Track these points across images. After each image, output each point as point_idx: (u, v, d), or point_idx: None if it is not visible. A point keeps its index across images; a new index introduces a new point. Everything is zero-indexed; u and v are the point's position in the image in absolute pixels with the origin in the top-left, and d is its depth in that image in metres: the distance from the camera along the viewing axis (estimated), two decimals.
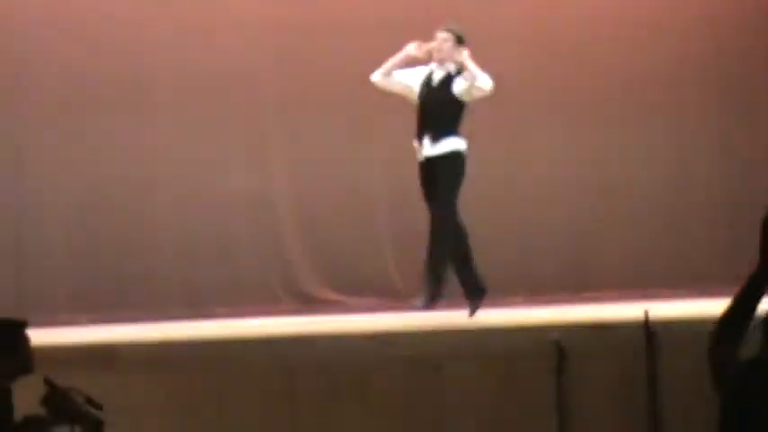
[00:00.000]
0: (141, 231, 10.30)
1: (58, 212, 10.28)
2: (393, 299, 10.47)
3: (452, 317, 9.09)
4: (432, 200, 8.47)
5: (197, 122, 10.39)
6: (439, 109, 8.46)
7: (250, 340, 7.82)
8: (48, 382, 4.84)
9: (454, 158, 8.41)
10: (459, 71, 8.52)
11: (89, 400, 4.85)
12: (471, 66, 8.42)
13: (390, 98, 10.57)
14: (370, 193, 10.70)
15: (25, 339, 5.02)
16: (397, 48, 8.78)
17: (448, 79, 8.54)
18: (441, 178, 8.36)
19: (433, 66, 8.63)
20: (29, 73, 10.30)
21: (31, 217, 10.27)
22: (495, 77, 8.76)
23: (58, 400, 4.80)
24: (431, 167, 8.44)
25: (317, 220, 10.61)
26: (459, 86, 8.49)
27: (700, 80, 11.12)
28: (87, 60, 10.28)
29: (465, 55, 8.48)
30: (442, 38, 8.56)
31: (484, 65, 8.51)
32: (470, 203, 9.65)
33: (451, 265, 8.50)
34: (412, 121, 9.43)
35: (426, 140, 8.45)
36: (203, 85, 10.37)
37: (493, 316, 9.15)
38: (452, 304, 9.43)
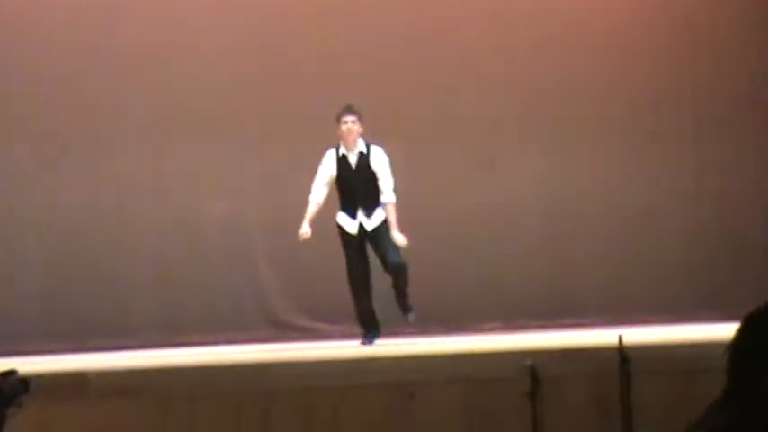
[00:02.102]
0: (115, 259, 10.25)
1: (29, 239, 10.23)
2: None
3: (425, 343, 9.09)
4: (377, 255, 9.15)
5: (171, 150, 10.37)
6: (365, 186, 8.98)
7: (224, 367, 7.78)
8: None
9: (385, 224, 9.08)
10: (368, 147, 9.08)
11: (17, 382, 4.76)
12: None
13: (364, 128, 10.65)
14: None
15: None
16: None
17: (364, 158, 9.06)
18: (383, 240, 9.01)
19: (341, 149, 9.10)
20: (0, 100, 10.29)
21: (1, 243, 10.21)
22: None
23: None
24: (365, 236, 9.10)
25: (291, 248, 10.58)
26: (375, 163, 9.06)
27: (674, 111, 11.19)
28: (60, 89, 10.26)
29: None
30: (351, 120, 9.05)
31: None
32: (446, 232, 9.69)
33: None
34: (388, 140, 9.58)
35: (361, 214, 9.05)
36: (177, 113, 10.36)
37: (467, 342, 9.16)
38: (425, 331, 9.45)
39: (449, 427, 7.25)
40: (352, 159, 9.10)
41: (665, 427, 6.60)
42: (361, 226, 9.12)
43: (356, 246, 9.16)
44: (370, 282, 9.16)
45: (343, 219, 9.17)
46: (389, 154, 9.10)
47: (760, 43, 11.35)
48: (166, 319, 10.20)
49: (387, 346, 9.22)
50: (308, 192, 10.56)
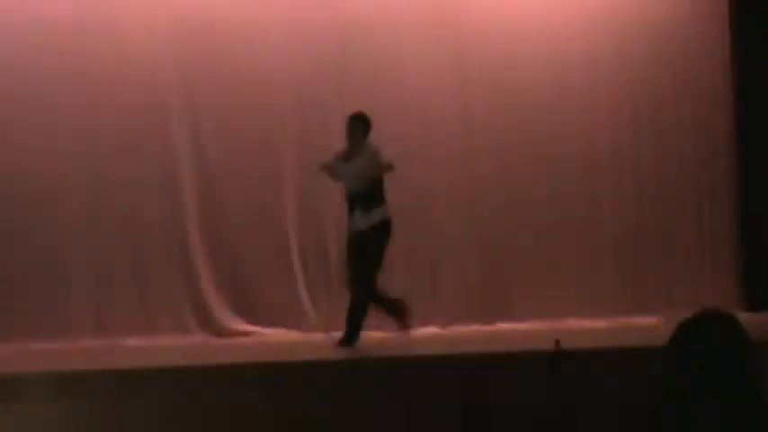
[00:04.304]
0: (48, 260, 10.12)
1: None
2: (305, 329, 10.45)
3: (366, 347, 9.09)
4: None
5: (107, 150, 10.27)
6: (358, 189, 9.14)
7: (160, 370, 7.72)
8: None
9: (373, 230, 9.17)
10: (367, 150, 9.17)
11: None
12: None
13: (302, 128, 10.64)
14: (282, 224, 10.67)
15: None
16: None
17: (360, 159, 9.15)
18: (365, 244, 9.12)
19: (342, 150, 9.25)
20: None
21: None
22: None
23: None
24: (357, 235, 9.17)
25: (229, 251, 10.55)
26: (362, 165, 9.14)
27: (611, 119, 11.33)
28: None
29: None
30: (349, 126, 9.22)
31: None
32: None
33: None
34: (324, 147, 9.56)
35: (357, 213, 9.15)
36: (116, 110, 10.26)
37: (407, 345, 9.17)
38: (365, 335, 9.44)
39: (387, 426, 7.26)
40: (350, 157, 9.23)
41: (603, 428, 6.66)
42: (355, 225, 9.18)
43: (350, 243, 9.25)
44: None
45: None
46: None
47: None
48: (103, 321, 10.10)
49: (325, 350, 9.20)
50: (248, 194, 10.57)
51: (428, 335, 10.02)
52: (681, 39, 11.44)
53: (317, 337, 10.25)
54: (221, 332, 10.33)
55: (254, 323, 10.44)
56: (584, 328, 10.45)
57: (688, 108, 11.43)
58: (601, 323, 10.68)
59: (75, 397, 6.97)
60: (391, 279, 9.54)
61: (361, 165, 9.16)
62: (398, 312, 9.42)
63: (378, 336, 9.71)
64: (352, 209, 9.23)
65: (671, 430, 2.92)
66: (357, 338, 9.15)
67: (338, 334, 9.71)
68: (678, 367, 2.98)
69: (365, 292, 9.13)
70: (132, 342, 9.93)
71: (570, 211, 11.15)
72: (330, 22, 10.71)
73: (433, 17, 10.91)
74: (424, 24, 10.88)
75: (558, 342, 7.50)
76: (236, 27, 10.55)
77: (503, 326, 10.56)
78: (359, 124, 9.24)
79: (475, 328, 9.40)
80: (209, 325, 10.36)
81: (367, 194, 9.15)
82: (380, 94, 10.48)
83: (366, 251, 9.13)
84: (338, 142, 9.73)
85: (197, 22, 10.46)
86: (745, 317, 9.84)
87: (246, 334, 10.33)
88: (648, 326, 10.48)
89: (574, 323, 10.61)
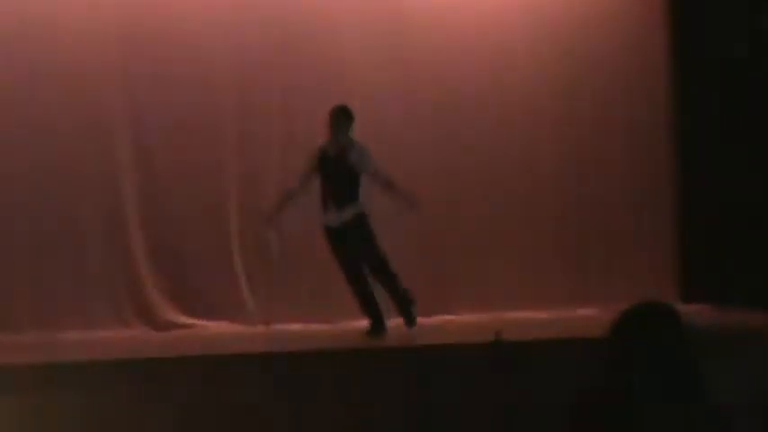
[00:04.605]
0: None
1: None
2: (245, 322, 10.42)
3: (305, 340, 9.10)
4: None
5: (47, 143, 10.17)
6: (339, 181, 9.23)
7: (99, 364, 7.68)
8: None
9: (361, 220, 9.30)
10: (351, 144, 9.26)
11: None
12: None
13: (244, 123, 10.60)
14: (222, 217, 10.62)
15: None
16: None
17: (342, 153, 9.24)
18: (348, 239, 9.23)
19: (324, 143, 9.32)
20: None
21: None
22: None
23: None
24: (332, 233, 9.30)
25: (168, 243, 10.48)
26: (352, 161, 9.23)
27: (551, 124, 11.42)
28: None
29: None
30: (330, 118, 9.26)
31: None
32: (317, 226, 9.70)
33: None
34: (266, 143, 9.53)
35: (331, 208, 9.27)
36: (55, 99, 10.16)
37: (348, 337, 9.19)
38: (308, 328, 9.44)
39: (329, 415, 7.27)
40: (332, 152, 9.28)
41: (544, 420, 6.70)
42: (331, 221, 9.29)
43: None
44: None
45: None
46: None
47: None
48: (42, 314, 10.00)
49: (265, 341, 9.19)
50: (188, 185, 10.51)
51: (367, 327, 10.02)
52: (619, 31, 11.52)
53: (258, 329, 10.23)
54: (161, 325, 10.27)
55: (195, 316, 10.39)
56: (525, 319, 10.51)
57: (627, 103, 11.53)
58: (542, 314, 10.75)
59: (13, 391, 6.91)
60: (332, 272, 9.52)
61: (358, 160, 9.23)
62: (375, 314, 9.40)
63: (319, 329, 9.71)
64: (328, 204, 9.27)
65: (613, 419, 2.95)
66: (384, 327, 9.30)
67: (281, 327, 9.73)
68: (619, 358, 3.01)
69: (388, 276, 9.31)
70: (71, 335, 9.84)
71: (511, 205, 11.20)
72: (272, 20, 10.68)
73: (374, 14, 10.91)
74: (365, 21, 10.88)
75: (498, 333, 7.54)
76: (177, 18, 10.49)
77: (444, 318, 10.59)
78: (345, 118, 9.28)
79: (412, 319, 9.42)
80: (149, 318, 10.30)
81: (350, 190, 9.23)
82: (323, 92, 10.47)
83: (355, 246, 9.23)
84: (280, 138, 9.75)
85: (141, 18, 10.39)
86: (682, 308, 9.96)
87: (187, 327, 10.28)
88: (589, 317, 10.57)
89: (515, 315, 10.66)
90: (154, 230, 10.43)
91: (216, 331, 10.15)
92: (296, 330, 10.01)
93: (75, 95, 10.20)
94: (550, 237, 11.32)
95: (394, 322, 9.49)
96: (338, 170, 9.25)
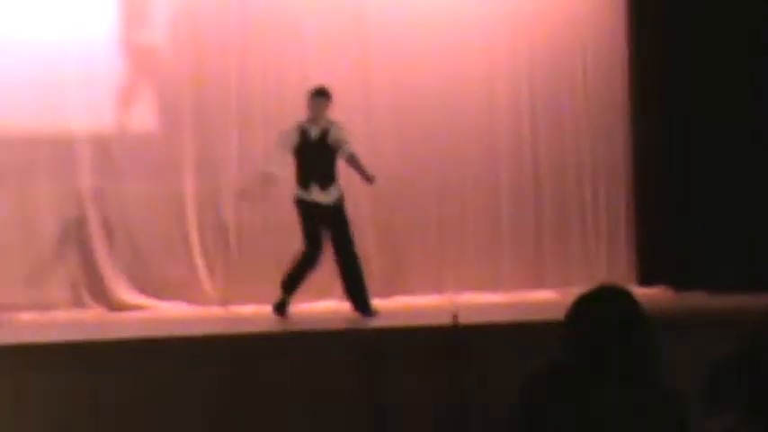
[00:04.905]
0: None
1: None
2: (202, 302, 10.37)
3: (264, 320, 9.07)
4: (322, 237, 9.33)
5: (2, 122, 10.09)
6: (324, 160, 9.33)
7: (53, 345, 7.61)
8: None
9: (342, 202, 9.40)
10: (330, 124, 9.38)
11: None
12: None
13: (200, 104, 10.55)
14: (179, 197, 10.56)
15: None
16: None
17: (325, 134, 9.33)
18: (338, 221, 9.29)
19: (303, 124, 9.36)
20: None
21: None
22: None
23: None
24: (322, 211, 9.28)
25: (124, 223, 10.42)
26: (332, 139, 9.36)
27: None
28: None
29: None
30: (311, 99, 9.33)
31: None
32: (285, 215, 9.68)
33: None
34: (225, 120, 9.51)
35: (315, 188, 9.30)
36: (20, 85, 10.08)
37: (308, 318, 9.17)
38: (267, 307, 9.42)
39: (289, 399, 7.25)
40: (313, 133, 9.34)
41: (500, 406, 6.70)
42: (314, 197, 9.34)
43: (313, 219, 9.34)
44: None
45: (300, 191, 9.36)
46: None
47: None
48: None
49: (222, 324, 9.16)
50: (145, 164, 10.44)
51: (326, 309, 10.01)
52: (578, 26, 11.55)
53: (215, 310, 10.19)
54: (117, 306, 10.20)
55: (151, 296, 10.34)
56: (482, 302, 10.53)
57: (585, 86, 11.57)
58: (498, 297, 10.77)
59: None
60: (288, 252, 9.50)
61: (336, 137, 9.30)
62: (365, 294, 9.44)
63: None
64: (308, 182, 9.26)
65: (567, 403, 2.95)
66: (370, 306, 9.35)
67: (237, 308, 9.69)
68: (575, 341, 3.00)
69: (355, 262, 9.33)
70: (26, 317, 9.76)
71: (469, 188, 11.21)
72: (234, 16, 10.67)
73: (337, 14, 10.90)
74: (327, 20, 10.87)
75: (455, 317, 7.54)
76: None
77: (400, 299, 10.59)
78: (324, 99, 9.33)
79: (373, 302, 9.41)
80: (105, 298, 10.23)
81: (330, 169, 9.31)
82: (281, 77, 10.46)
83: (340, 225, 9.26)
84: (236, 118, 9.72)
85: None
86: (640, 291, 10.00)
87: (143, 308, 10.22)
88: (546, 300, 10.60)
89: (471, 298, 10.68)
90: (110, 210, 10.36)
91: (171, 313, 10.09)
92: (251, 312, 9.97)
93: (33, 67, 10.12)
94: (507, 219, 11.34)
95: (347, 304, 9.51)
96: (321, 150, 9.32)
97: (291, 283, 9.34)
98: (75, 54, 10.22)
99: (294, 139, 9.35)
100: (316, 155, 9.33)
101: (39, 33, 10.15)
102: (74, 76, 10.24)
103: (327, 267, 9.52)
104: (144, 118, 10.45)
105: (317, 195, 9.30)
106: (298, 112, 9.53)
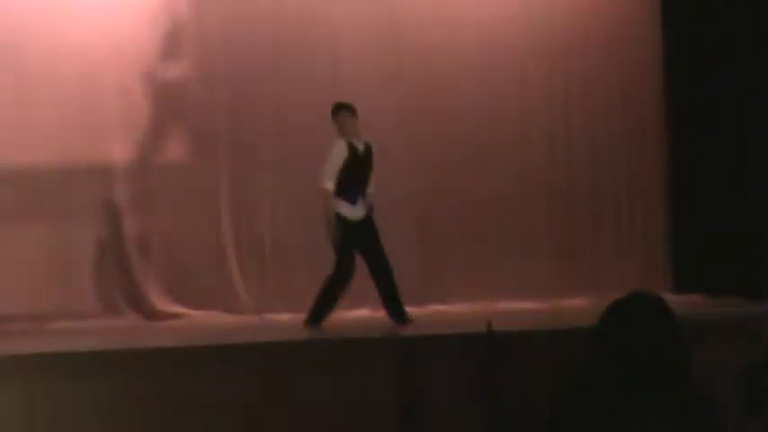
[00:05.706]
0: None
1: None
2: (238, 311, 10.41)
3: (299, 328, 9.10)
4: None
5: (38, 135, 10.16)
6: (367, 175, 9.38)
7: (90, 353, 7.66)
8: None
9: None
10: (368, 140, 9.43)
11: None
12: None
13: (236, 116, 10.60)
14: (215, 206, 10.62)
15: None
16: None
17: (369, 149, 9.40)
18: (373, 232, 9.28)
19: (350, 139, 9.30)
20: None
21: None
22: None
23: None
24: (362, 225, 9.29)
25: (160, 231, 10.48)
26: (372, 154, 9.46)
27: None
28: None
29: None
30: (351, 115, 9.35)
31: None
32: (309, 218, 9.71)
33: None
34: (267, 132, 9.53)
35: (360, 203, 9.29)
36: (46, 85, 10.16)
37: (341, 327, 9.19)
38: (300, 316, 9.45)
39: (326, 408, 7.27)
40: (360, 148, 9.36)
41: (534, 412, 6.70)
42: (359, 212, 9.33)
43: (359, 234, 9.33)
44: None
45: (348, 208, 9.31)
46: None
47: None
48: (32, 303, 9.97)
49: (258, 332, 9.19)
50: (179, 174, 10.50)
51: (360, 317, 10.02)
52: (612, 20, 11.54)
53: (250, 319, 10.22)
54: (152, 315, 10.26)
55: (186, 305, 10.39)
56: (516, 309, 10.52)
57: (619, 95, 11.56)
58: (532, 305, 10.75)
59: (5, 381, 6.91)
60: (321, 262, 9.51)
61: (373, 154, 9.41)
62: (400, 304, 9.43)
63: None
64: (356, 198, 9.26)
65: (602, 409, 2.96)
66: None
67: (272, 316, 9.72)
68: (608, 347, 3.01)
69: (388, 270, 9.31)
70: (61, 325, 9.82)
71: (503, 197, 11.21)
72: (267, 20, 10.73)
73: (370, 36, 10.94)
74: (360, 44, 10.91)
75: (489, 324, 7.54)
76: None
77: (435, 308, 10.59)
78: (357, 115, 9.34)
79: (408, 310, 9.41)
80: (141, 307, 10.29)
81: (369, 183, 9.36)
82: (316, 88, 10.54)
83: (373, 234, 9.26)
84: (272, 132, 9.81)
85: None
86: (673, 297, 9.97)
87: (178, 316, 10.27)
88: (579, 307, 10.57)
89: (505, 305, 10.67)
90: (146, 219, 10.42)
91: (206, 321, 10.13)
92: (287, 320, 10.00)
93: (73, 92, 10.20)
94: (542, 226, 11.34)
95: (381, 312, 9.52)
96: (366, 165, 9.36)
97: (328, 302, 9.29)
98: (114, 80, 10.32)
99: (346, 155, 9.31)
100: (362, 170, 9.34)
101: (80, 60, 10.26)
102: (112, 89, 10.33)
103: (361, 275, 9.53)
104: (180, 130, 10.51)
105: (360, 210, 9.28)
106: (331, 133, 9.51)
